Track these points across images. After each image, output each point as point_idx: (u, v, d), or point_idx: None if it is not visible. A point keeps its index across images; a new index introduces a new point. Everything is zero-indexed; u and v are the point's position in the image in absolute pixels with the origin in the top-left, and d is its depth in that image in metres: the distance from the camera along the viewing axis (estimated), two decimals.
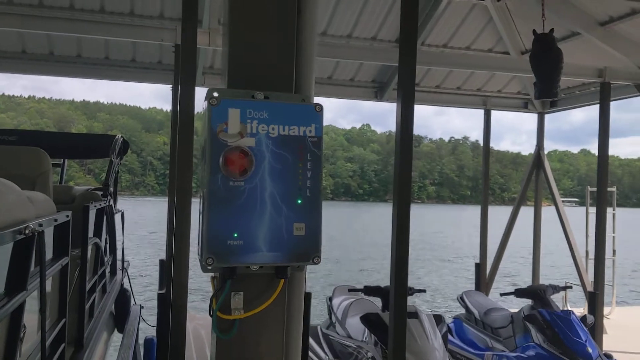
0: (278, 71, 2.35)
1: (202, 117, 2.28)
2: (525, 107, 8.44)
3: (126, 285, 5.59)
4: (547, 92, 4.91)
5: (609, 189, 7.99)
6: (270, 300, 2.31)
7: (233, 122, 2.19)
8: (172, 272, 2.46)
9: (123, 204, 6.70)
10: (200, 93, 2.32)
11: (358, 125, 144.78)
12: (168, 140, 10.85)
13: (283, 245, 2.23)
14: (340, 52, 6.01)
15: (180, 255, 2.36)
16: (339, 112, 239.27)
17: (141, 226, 32.26)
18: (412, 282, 6.08)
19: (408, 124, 3.59)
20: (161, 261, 6.08)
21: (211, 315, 2.27)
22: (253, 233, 2.19)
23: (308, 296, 5.66)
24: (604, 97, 6.23)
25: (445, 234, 38.33)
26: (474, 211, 8.94)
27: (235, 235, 2.17)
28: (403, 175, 3.65)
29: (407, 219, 3.57)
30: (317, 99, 2.40)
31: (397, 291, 3.59)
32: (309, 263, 2.31)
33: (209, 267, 2.17)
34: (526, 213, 8.75)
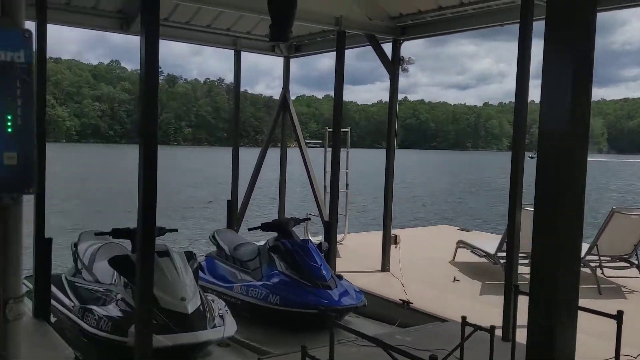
0: None
1: None
2: (272, 50, 8.77)
3: None
4: (279, 35, 5.15)
5: (343, 130, 8.87)
6: None
7: None
8: None
9: None
10: None
11: (106, 61, 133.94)
12: None
13: None
14: None
15: None
16: (84, 45, 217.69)
17: None
18: (165, 222, 6.06)
19: (153, 57, 3.47)
20: None
21: None
22: None
23: (48, 242, 5.22)
24: (339, 45, 6.78)
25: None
26: (230, 153, 9.11)
27: None
28: (149, 113, 3.55)
29: (154, 159, 3.51)
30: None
31: (144, 232, 3.55)
32: (25, 193, 2.22)
33: None
34: (277, 154, 9.26)
